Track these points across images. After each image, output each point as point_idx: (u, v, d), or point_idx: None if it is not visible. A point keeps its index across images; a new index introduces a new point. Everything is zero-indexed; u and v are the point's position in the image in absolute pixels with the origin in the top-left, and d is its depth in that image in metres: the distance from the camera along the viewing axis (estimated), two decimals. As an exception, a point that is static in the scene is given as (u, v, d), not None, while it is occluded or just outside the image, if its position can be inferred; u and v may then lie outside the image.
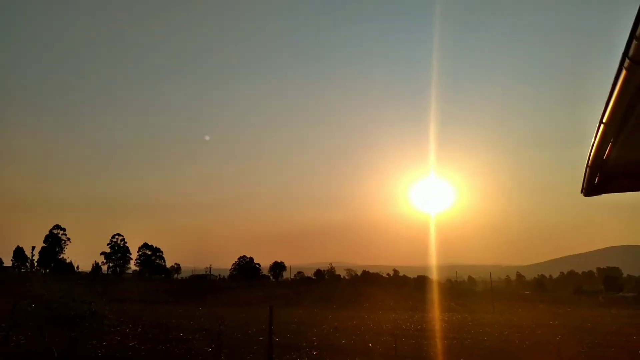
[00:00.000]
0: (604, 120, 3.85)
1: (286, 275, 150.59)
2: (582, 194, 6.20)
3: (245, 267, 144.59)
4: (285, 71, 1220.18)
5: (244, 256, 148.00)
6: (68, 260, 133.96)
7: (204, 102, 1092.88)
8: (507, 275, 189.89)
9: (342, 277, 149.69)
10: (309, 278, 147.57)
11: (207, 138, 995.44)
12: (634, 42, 2.58)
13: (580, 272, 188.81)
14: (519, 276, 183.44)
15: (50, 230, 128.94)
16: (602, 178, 5.61)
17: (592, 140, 4.46)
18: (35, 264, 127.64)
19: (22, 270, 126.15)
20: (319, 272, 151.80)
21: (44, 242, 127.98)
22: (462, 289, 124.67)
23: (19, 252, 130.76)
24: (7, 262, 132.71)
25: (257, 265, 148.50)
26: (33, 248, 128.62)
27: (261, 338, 20.59)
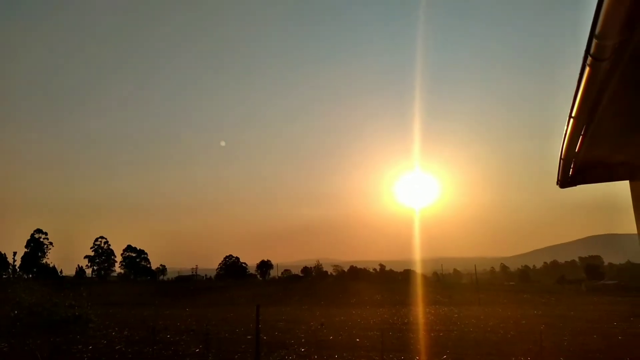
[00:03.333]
0: (573, 115, 4.04)
1: (273, 273, 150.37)
2: (557, 186, 6.46)
3: (232, 266, 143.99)
4: (263, 68, 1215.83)
5: (230, 255, 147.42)
6: (51, 265, 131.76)
7: (184, 103, 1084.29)
8: (492, 267, 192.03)
9: (329, 273, 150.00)
10: (296, 275, 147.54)
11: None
12: (594, 40, 2.76)
13: (562, 262, 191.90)
14: (503, 267, 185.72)
15: (32, 235, 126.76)
16: (576, 170, 5.86)
17: (564, 134, 4.66)
18: (18, 269, 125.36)
19: (4, 276, 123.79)
20: (305, 269, 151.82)
21: (26, 247, 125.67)
22: (447, 281, 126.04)
23: (0, 258, 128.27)
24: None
25: (243, 265, 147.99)
26: (15, 253, 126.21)
27: (249, 337, 20.62)
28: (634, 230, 5.75)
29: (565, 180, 6.24)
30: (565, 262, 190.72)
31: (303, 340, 20.48)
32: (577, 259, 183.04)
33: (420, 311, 40.14)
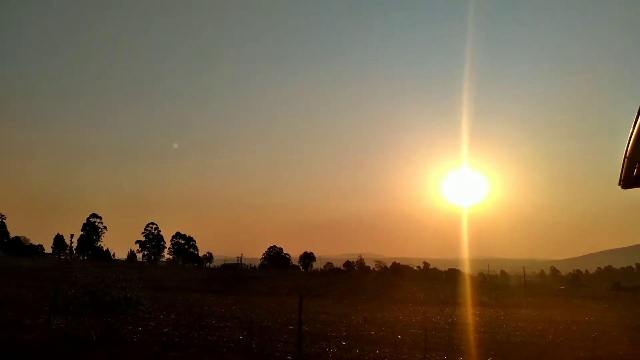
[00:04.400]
0: (645, 110, 3.76)
1: (316, 265, 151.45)
2: (619, 187, 6.11)
3: (276, 256, 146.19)
4: (313, 63, 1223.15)
5: (274, 246, 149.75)
6: (105, 248, 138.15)
7: (232, 93, 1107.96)
8: (542, 270, 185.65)
9: (371, 268, 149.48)
10: (338, 269, 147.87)
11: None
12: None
13: (618, 268, 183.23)
14: (554, 271, 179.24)
15: (88, 219, 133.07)
16: (641, 170, 5.50)
17: (631, 131, 4.39)
18: (74, 251, 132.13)
19: (62, 257, 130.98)
20: (348, 263, 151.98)
21: (82, 230, 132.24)
22: (494, 282, 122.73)
23: (58, 240, 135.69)
24: (48, 249, 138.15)
25: (287, 256, 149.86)
26: (72, 236, 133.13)
27: (291, 327, 20.83)
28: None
29: (629, 181, 5.88)
30: (621, 268, 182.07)
31: (344, 333, 20.51)
32: (634, 266, 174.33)
33: (464, 311, 39.33)
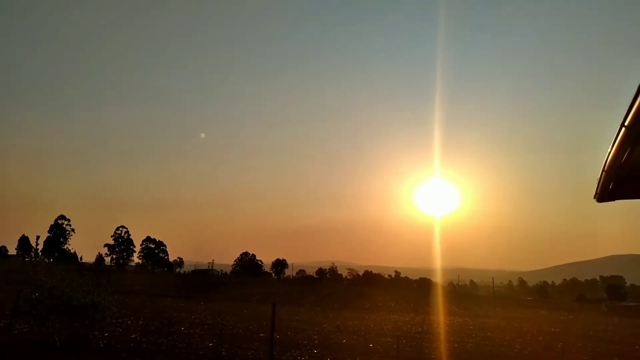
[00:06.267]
0: (626, 124, 3.79)
1: (288, 272, 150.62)
2: (595, 200, 6.08)
3: (248, 263, 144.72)
4: (287, 70, 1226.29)
5: (246, 252, 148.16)
6: (72, 251, 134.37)
7: (205, 99, 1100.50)
8: (510, 280, 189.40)
9: (343, 276, 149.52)
10: (311, 276, 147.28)
11: (202, 135, 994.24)
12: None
13: (583, 280, 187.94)
14: (522, 281, 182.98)
15: (55, 221, 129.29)
16: (617, 183, 5.51)
17: (611, 144, 4.36)
18: (40, 253, 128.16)
19: (27, 259, 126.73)
20: (320, 271, 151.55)
21: (49, 232, 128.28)
22: (464, 292, 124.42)
23: (23, 241, 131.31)
24: (12, 250, 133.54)
25: (259, 262, 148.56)
26: (38, 237, 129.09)
27: (262, 335, 20.58)
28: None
29: (604, 194, 5.87)
30: (586, 280, 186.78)
31: (316, 341, 20.35)
32: (598, 278, 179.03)
33: (434, 320, 39.64)
